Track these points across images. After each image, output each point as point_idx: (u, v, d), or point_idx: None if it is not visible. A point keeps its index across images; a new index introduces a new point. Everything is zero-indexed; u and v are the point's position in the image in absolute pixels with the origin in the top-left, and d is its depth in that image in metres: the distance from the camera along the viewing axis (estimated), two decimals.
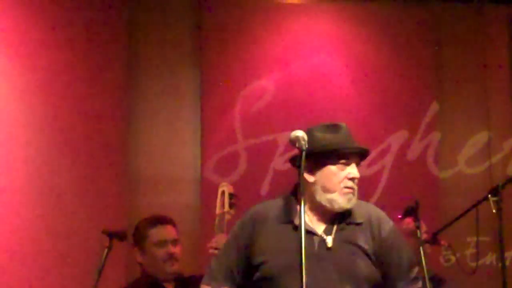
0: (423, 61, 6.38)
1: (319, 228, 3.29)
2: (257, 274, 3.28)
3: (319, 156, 3.29)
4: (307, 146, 3.09)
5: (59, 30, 5.83)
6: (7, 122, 5.58)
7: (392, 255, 3.32)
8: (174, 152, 6.18)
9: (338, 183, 3.29)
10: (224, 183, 4.48)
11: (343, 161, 3.30)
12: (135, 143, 6.14)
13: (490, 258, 5.94)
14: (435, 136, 6.28)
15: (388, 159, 6.18)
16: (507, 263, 4.16)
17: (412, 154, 6.23)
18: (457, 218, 4.45)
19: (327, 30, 6.38)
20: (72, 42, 5.88)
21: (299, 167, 3.10)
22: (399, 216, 4.46)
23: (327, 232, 3.28)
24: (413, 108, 6.31)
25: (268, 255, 3.27)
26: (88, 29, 5.95)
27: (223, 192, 4.40)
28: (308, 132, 3.22)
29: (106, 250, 4.35)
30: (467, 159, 6.27)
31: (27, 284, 5.46)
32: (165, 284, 4.38)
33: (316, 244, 3.25)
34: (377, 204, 3.47)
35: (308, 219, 3.28)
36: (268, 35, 6.31)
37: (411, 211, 4.33)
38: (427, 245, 4.52)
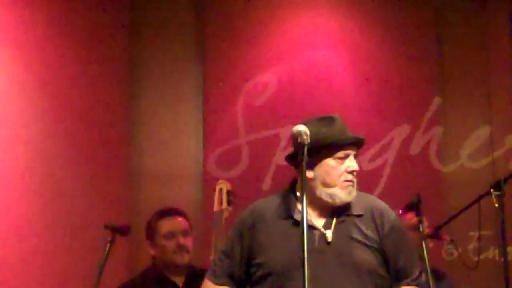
0: (425, 55, 6.36)
1: (319, 222, 3.28)
2: (260, 272, 3.27)
3: (316, 151, 3.25)
4: (309, 140, 3.08)
5: (62, 25, 5.83)
6: (7, 118, 5.57)
7: (396, 253, 3.28)
8: (176, 146, 6.18)
9: (337, 177, 3.27)
10: (221, 181, 4.49)
11: (341, 154, 3.28)
12: (137, 137, 6.15)
13: (492, 253, 5.93)
14: (438, 130, 6.27)
15: (391, 154, 6.17)
16: (509, 257, 4.14)
17: (415, 148, 6.23)
18: (459, 213, 4.45)
19: (330, 25, 6.37)
20: (74, 36, 5.87)
21: (299, 163, 3.08)
22: (400, 211, 4.46)
23: (327, 226, 3.27)
24: (415, 103, 6.30)
25: (270, 253, 3.25)
26: (90, 24, 5.94)
27: (220, 190, 4.41)
28: None
29: (108, 245, 4.36)
30: (470, 154, 6.26)
31: (28, 279, 5.46)
32: (174, 278, 4.37)
33: (317, 239, 3.23)
34: (379, 198, 3.45)
35: (307, 214, 3.26)
36: (271, 30, 6.30)
37: (413, 206, 4.34)
38: (429, 240, 4.52)
